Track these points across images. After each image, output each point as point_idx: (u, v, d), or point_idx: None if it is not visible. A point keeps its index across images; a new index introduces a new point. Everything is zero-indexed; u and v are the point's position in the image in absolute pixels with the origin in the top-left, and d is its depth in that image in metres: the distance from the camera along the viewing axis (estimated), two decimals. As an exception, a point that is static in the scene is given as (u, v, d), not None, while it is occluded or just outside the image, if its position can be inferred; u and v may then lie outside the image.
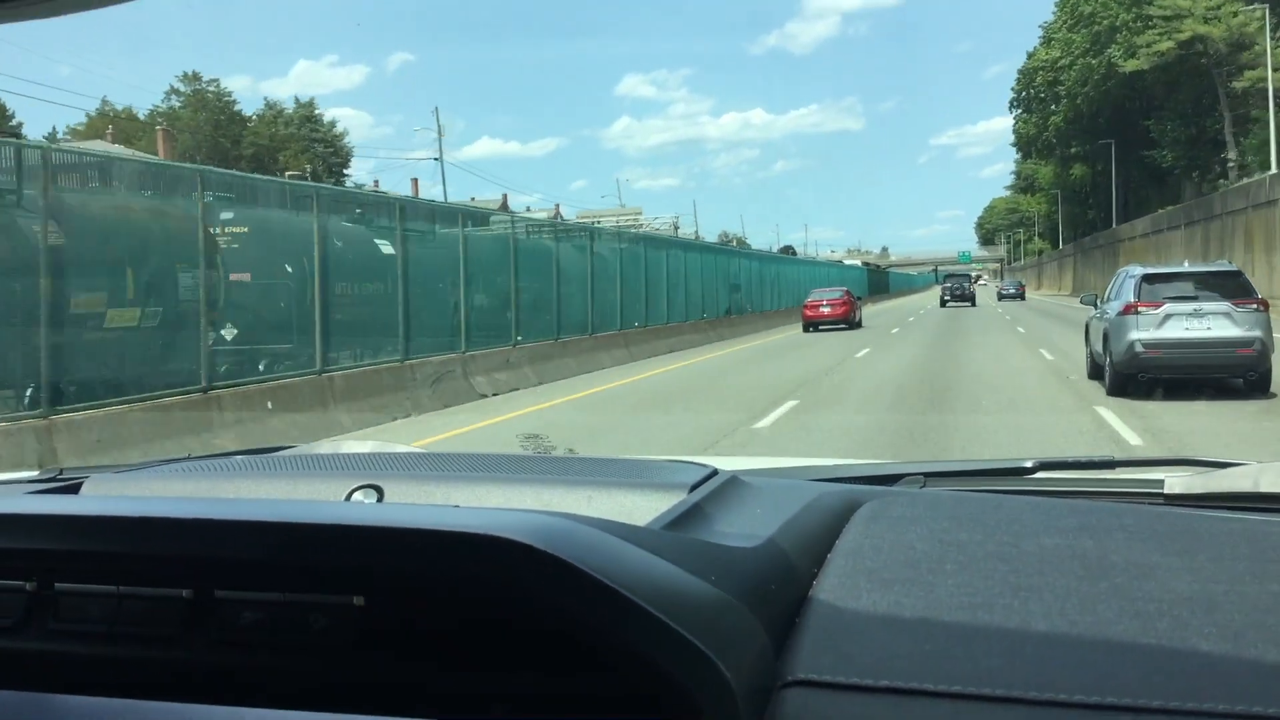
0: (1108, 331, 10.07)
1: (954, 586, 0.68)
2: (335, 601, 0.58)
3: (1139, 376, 9.57)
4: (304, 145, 54.39)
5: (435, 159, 48.61)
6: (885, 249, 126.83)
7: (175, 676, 0.60)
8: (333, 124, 58.43)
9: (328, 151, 56.13)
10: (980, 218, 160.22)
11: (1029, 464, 1.18)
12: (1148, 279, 9.82)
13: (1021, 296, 49.13)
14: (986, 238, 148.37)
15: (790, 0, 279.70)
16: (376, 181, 60.92)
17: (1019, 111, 59.94)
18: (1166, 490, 1.07)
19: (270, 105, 57.38)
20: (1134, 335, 9.42)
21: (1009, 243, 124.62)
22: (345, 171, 57.94)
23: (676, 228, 48.49)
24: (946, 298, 42.13)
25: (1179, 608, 0.64)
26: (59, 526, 0.63)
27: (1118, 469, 1.22)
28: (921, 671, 0.57)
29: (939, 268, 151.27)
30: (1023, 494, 1.06)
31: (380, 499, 0.86)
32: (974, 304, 40.52)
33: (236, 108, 54.83)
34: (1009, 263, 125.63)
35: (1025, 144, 61.27)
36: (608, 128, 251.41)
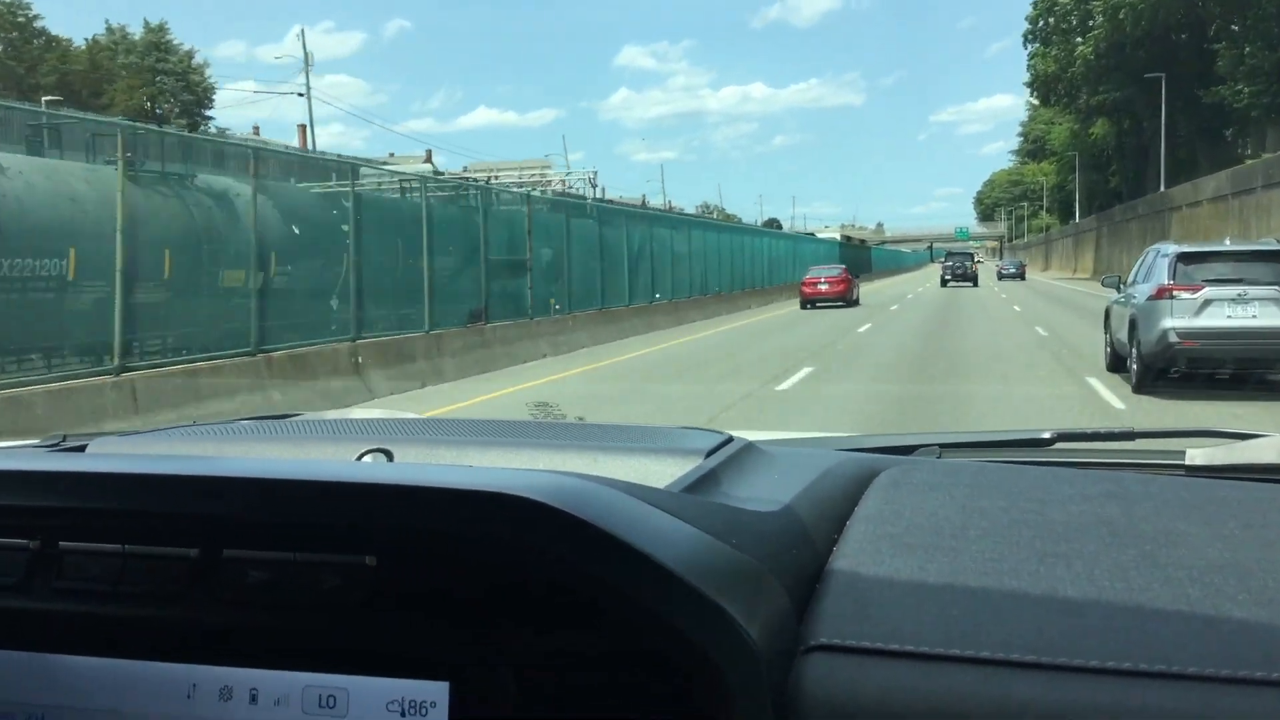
0: (1135, 318, 10.38)
1: (979, 552, 0.78)
2: (346, 561, 0.66)
3: (1171, 371, 9.88)
4: (146, 78, 52.27)
5: (300, 94, 47.20)
6: (880, 224, 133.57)
7: (181, 636, 0.69)
8: (189, 54, 56.04)
9: (179, 86, 53.89)
10: (980, 192, 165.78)
11: (1048, 435, 1.37)
12: (1184, 258, 10.16)
13: (1021, 276, 54.76)
14: (986, 213, 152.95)
15: None
16: (256, 128, 59.00)
17: (1035, 46, 54.58)
18: (1188, 462, 1.22)
19: (112, 30, 55.05)
20: (1168, 323, 9.73)
21: (1010, 218, 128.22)
22: (205, 112, 55.87)
23: (594, 184, 45.66)
24: (947, 277, 46.51)
25: (1211, 574, 0.73)
26: (63, 484, 0.73)
27: (1138, 440, 1.41)
28: (948, 637, 0.64)
29: (934, 245, 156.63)
30: (1043, 465, 1.20)
31: (390, 462, 0.98)
32: (976, 284, 44.73)
33: (40, 23, 52.32)
34: (1010, 240, 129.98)
35: (1043, 86, 55.68)
36: (606, 99, 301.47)
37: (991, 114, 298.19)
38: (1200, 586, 0.71)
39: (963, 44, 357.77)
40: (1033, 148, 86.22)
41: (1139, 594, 0.70)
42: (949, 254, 53.37)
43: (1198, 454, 1.23)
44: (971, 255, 52.11)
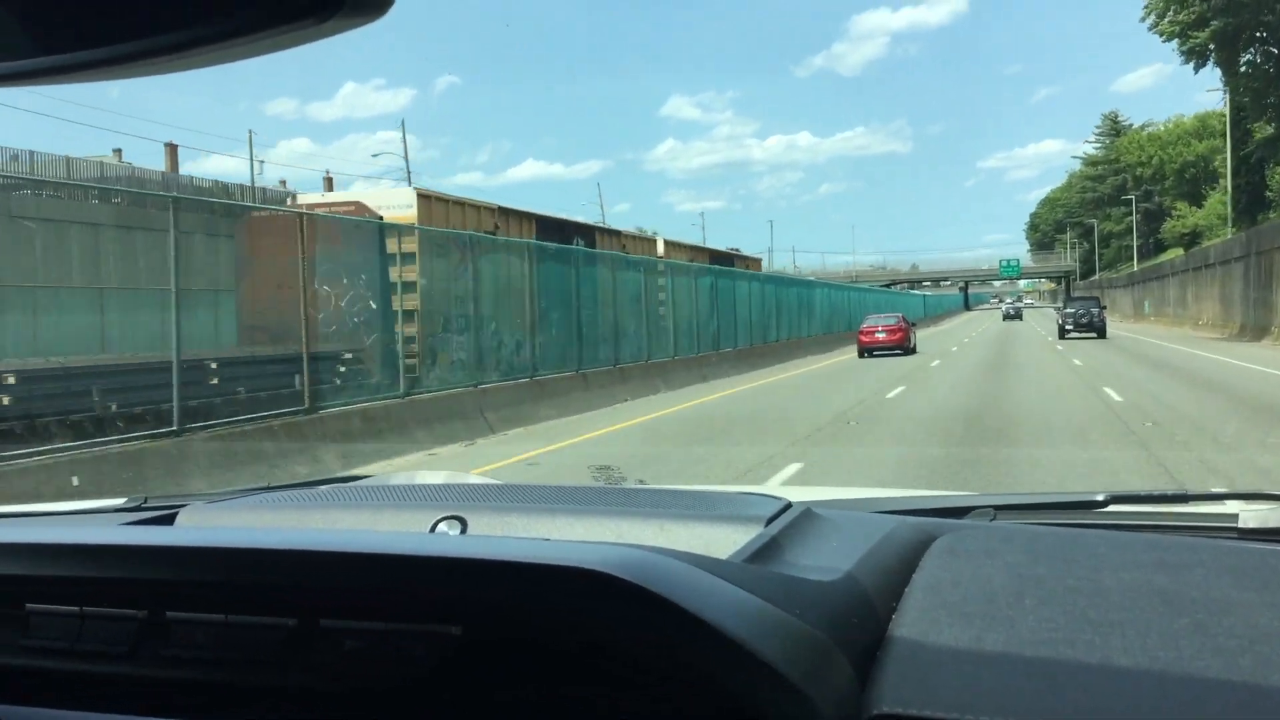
0: None
1: (1034, 621, 0.86)
2: (434, 630, 0.77)
3: None
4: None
5: None
6: (915, 266, 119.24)
7: (282, 702, 0.80)
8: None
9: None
10: (1034, 214, 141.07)
11: (1101, 497, 1.46)
12: None
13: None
14: (1043, 242, 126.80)
15: (837, 22, 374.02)
16: None
17: None
18: (1241, 524, 1.32)
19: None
20: None
21: (1093, 238, 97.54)
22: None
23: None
24: (1068, 326, 42.65)
25: (1261, 644, 0.80)
26: (168, 557, 0.85)
27: (1191, 503, 1.49)
28: (1006, 706, 0.73)
29: (969, 284, 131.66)
30: (1095, 528, 1.31)
31: (464, 529, 1.12)
32: (1103, 335, 40.94)
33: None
34: (1078, 277, 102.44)
35: None
36: (652, 150, 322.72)
37: (1039, 159, 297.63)
38: (1251, 656, 0.78)
39: (1010, 90, 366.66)
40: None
41: (1190, 663, 0.77)
42: (1070, 299, 49.59)
43: (1250, 516, 1.32)
44: (1097, 299, 46.49)
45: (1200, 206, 60.40)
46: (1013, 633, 0.83)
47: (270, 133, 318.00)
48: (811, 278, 59.09)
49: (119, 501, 1.48)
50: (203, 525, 1.19)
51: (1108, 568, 1.00)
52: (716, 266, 29.56)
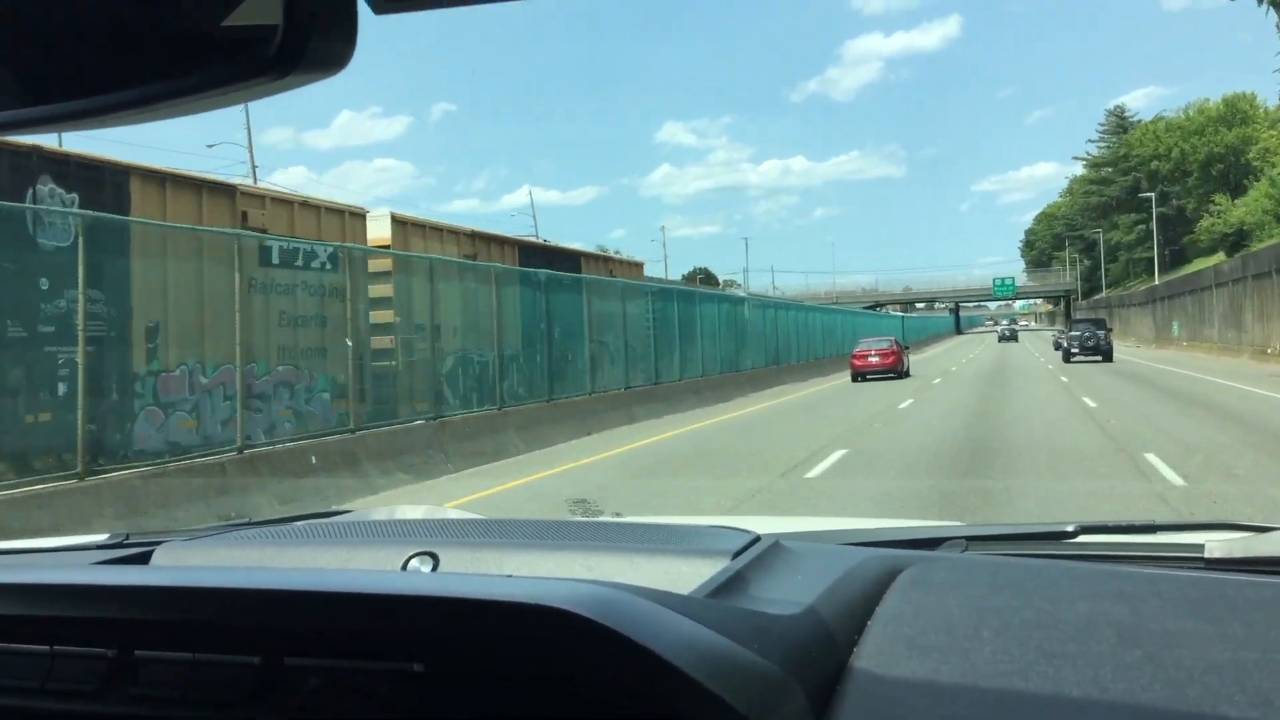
0: None
1: (990, 653, 0.88)
2: (396, 668, 0.78)
3: None
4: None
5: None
6: (908, 287, 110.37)
7: None
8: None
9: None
10: (1030, 231, 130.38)
11: (1071, 528, 1.49)
12: None
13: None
14: (1040, 259, 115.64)
15: (830, 47, 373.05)
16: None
17: None
18: (1207, 555, 1.33)
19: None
20: None
21: (1100, 250, 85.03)
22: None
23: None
24: (1074, 350, 39.73)
25: (1210, 675, 0.82)
26: (137, 597, 0.87)
27: (1159, 533, 1.51)
28: None
29: (959, 306, 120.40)
30: (1064, 558, 1.32)
31: (435, 565, 1.14)
32: (1110, 359, 38.88)
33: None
34: (1079, 296, 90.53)
35: None
36: (647, 175, 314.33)
37: (1033, 182, 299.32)
38: (1199, 687, 0.80)
39: (1003, 113, 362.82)
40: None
41: (1140, 695, 0.79)
42: (1076, 321, 44.88)
43: (1216, 547, 1.33)
44: (1102, 321, 42.30)
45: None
46: (968, 664, 0.85)
47: (268, 161, 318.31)
48: (738, 293, 48.11)
49: (101, 538, 1.53)
50: (176, 564, 1.21)
51: (1067, 599, 1.02)
52: (467, 262, 16.64)
